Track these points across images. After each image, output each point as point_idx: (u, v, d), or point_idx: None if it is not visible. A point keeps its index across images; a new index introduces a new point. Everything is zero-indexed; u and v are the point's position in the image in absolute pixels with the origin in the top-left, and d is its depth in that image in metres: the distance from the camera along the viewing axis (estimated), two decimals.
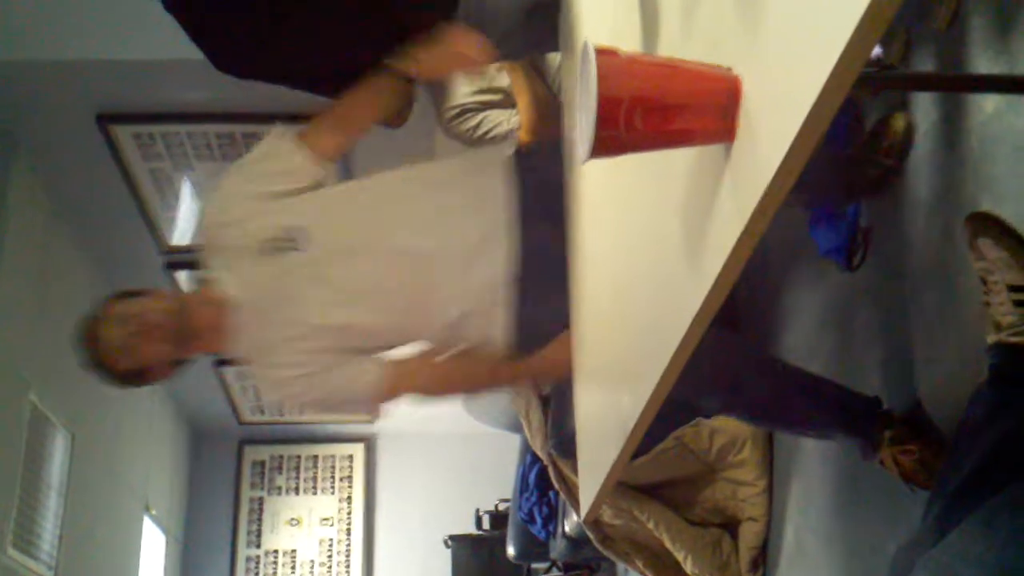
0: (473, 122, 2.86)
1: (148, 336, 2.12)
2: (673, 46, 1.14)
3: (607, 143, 0.90)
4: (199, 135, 3.84)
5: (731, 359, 2.13)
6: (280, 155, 2.25)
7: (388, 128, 3.01)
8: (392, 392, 2.18)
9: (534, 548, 4.85)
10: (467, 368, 2.22)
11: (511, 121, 2.84)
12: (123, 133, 3.80)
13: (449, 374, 2.23)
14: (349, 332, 2.15)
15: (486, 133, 2.86)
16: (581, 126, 0.96)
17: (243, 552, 6.51)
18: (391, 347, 2.21)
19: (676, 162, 1.06)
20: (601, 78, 0.89)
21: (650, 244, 1.25)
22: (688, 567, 2.94)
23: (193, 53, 2.26)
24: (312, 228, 2.14)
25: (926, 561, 1.37)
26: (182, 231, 4.43)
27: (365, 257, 2.15)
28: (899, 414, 2.07)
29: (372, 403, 2.21)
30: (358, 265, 2.14)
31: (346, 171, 4.02)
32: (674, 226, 1.09)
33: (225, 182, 2.28)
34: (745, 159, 0.89)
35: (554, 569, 5.29)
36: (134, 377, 2.19)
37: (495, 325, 2.13)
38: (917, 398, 2.04)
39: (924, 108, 2.04)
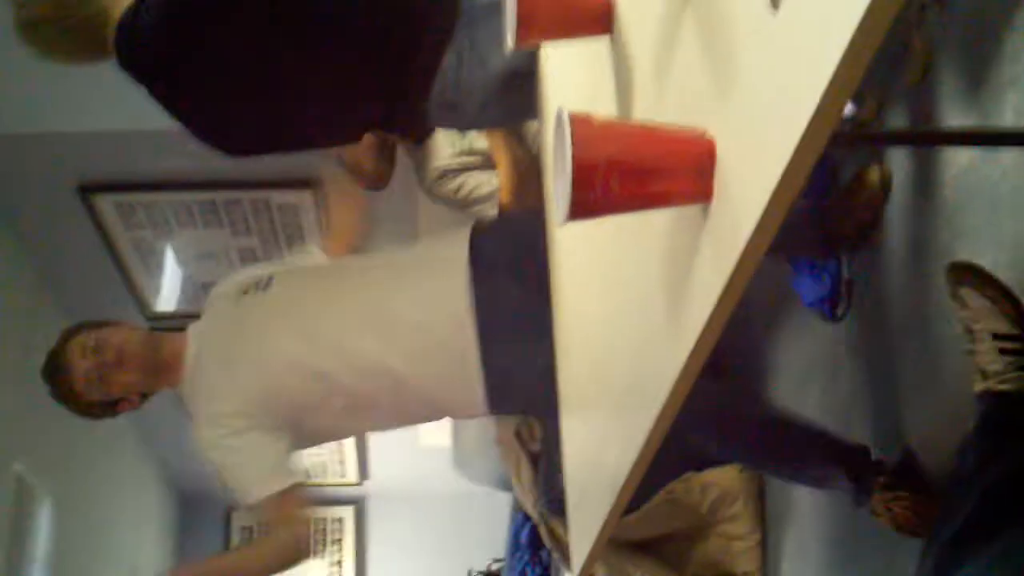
0: (454, 184, 2.88)
1: (122, 366, 2.13)
2: (647, 111, 1.16)
3: (584, 206, 0.91)
4: (180, 203, 3.85)
5: (719, 405, 2.13)
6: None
7: (371, 190, 3.04)
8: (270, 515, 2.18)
9: None
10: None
11: (491, 183, 2.87)
12: (105, 203, 3.80)
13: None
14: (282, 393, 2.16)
15: (468, 194, 2.88)
16: (558, 190, 0.96)
17: None
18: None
19: (654, 223, 1.07)
20: (576, 143, 0.90)
21: (630, 304, 1.25)
22: None
23: (172, 123, 2.28)
24: (277, 277, 2.23)
25: None
26: (166, 298, 4.42)
27: (316, 346, 2.17)
28: (890, 462, 2.06)
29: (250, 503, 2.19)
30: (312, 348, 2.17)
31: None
32: (654, 287, 1.09)
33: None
34: (722, 219, 0.90)
35: None
36: (105, 408, 2.20)
37: (471, 394, 2.14)
38: (908, 447, 2.04)
39: (899, 161, 2.06)
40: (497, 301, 2.15)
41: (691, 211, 0.96)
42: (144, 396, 2.23)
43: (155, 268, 4.21)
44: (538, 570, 4.50)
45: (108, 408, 2.22)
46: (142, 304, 4.42)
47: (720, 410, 2.12)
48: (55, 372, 2.18)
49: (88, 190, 3.74)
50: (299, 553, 2.14)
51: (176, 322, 4.48)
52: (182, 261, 4.19)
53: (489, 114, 2.27)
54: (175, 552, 6.37)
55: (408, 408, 2.21)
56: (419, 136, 2.69)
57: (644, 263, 1.15)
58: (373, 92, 2.10)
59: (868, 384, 2.22)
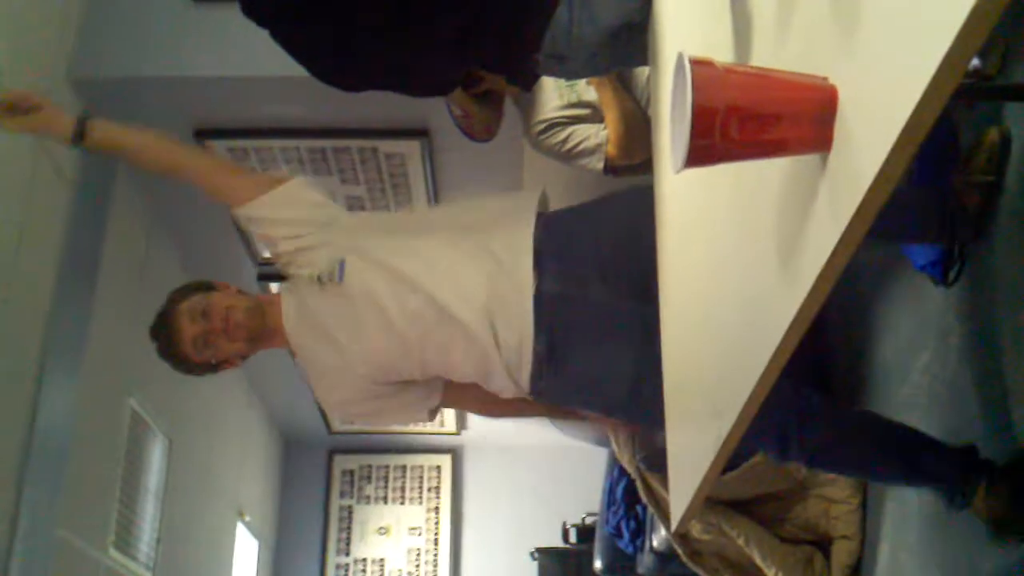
0: (561, 136, 2.88)
1: (228, 333, 2.21)
2: (766, 57, 1.14)
3: (701, 153, 0.91)
4: (291, 150, 3.93)
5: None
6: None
7: (477, 141, 3.06)
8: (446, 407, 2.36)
9: (621, 562, 4.82)
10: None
11: (599, 135, 2.86)
12: (219, 148, 3.90)
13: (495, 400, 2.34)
14: (383, 362, 2.24)
15: (574, 147, 2.87)
16: (675, 136, 0.96)
17: (333, 559, 6.59)
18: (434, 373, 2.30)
19: (770, 172, 1.06)
20: (697, 88, 0.90)
21: (743, 254, 1.24)
22: None
23: (286, 70, 2.33)
24: (349, 263, 2.23)
25: None
26: (274, 244, 4.52)
27: (389, 302, 2.20)
28: (1001, 464, 2.00)
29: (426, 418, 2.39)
30: (383, 308, 2.20)
31: (434, 183, 4.08)
32: (768, 236, 1.09)
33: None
34: (842, 168, 0.89)
35: None
36: (208, 368, 2.29)
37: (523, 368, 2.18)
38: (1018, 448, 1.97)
39: (1020, 119, 2.00)
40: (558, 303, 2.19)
41: (809, 160, 0.95)
42: (246, 357, 2.31)
43: None
44: (633, 525, 4.52)
45: (210, 368, 2.30)
46: (251, 249, 4.53)
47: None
48: (163, 333, 2.26)
49: (203, 135, 3.84)
50: None
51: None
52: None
53: (597, 64, 2.27)
54: (279, 493, 6.58)
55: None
56: (528, 82, 2.69)
57: (757, 213, 1.14)
58: (491, 34, 2.13)
59: (978, 350, 2.17)
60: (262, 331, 2.26)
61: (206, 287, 2.30)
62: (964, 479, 2.01)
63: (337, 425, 6.35)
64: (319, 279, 2.23)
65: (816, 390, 2.24)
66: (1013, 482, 1.96)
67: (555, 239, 2.23)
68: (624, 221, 2.21)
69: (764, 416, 1.92)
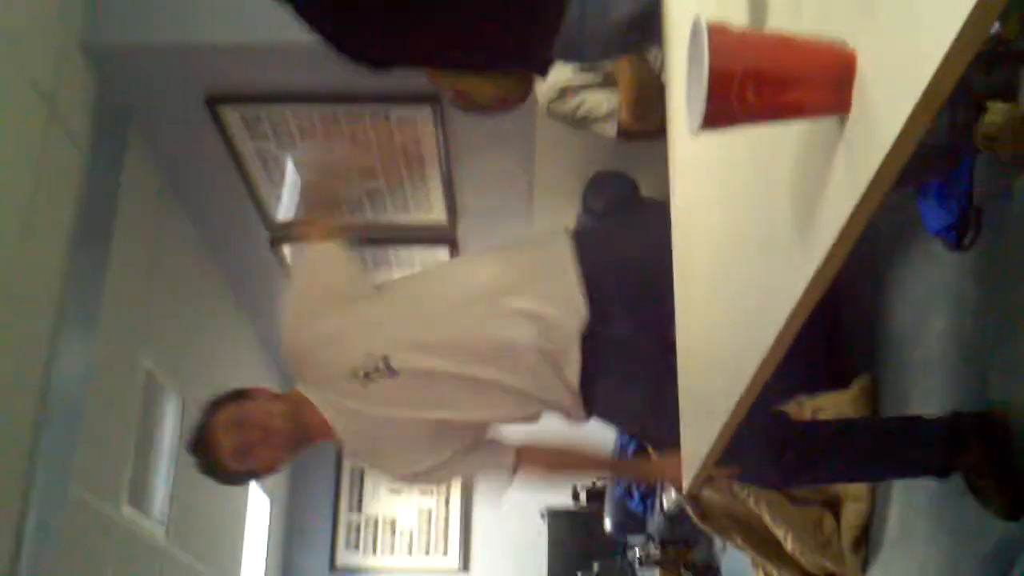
0: (573, 102, 2.86)
1: (267, 441, 2.19)
2: (782, 24, 1.14)
3: (718, 115, 0.91)
4: (304, 116, 3.92)
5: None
6: (305, 256, 2.45)
7: (490, 114, 3.04)
8: (524, 474, 2.36)
9: (631, 523, 4.86)
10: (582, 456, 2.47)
11: (611, 101, 2.84)
12: (231, 114, 3.90)
13: (570, 460, 2.45)
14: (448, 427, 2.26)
15: (587, 113, 2.86)
16: (691, 98, 0.96)
17: (344, 518, 6.66)
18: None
19: (786, 137, 1.06)
20: (713, 51, 0.89)
21: (758, 220, 1.24)
22: (788, 544, 2.92)
23: (299, 36, 2.32)
24: (395, 354, 2.22)
25: None
26: (287, 207, 4.54)
27: (440, 379, 2.23)
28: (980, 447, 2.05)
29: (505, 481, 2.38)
30: (435, 385, 2.23)
31: (446, 150, 4.07)
32: (785, 200, 1.09)
33: (288, 312, 2.42)
34: (859, 132, 0.89)
35: (651, 544, 5.29)
36: (249, 477, 2.30)
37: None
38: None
39: None
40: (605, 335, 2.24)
41: (826, 125, 0.95)
42: (287, 461, 2.31)
43: (278, 178, 4.31)
44: (643, 486, 4.55)
45: (252, 476, 2.31)
46: (264, 214, 4.54)
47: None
48: (202, 448, 2.23)
49: (215, 101, 3.84)
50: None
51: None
52: (304, 173, 4.28)
53: (610, 51, 2.26)
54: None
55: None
56: (544, 70, 2.66)
57: (774, 177, 1.14)
58: (509, 29, 2.12)
59: (993, 315, 2.17)
60: (300, 435, 2.25)
61: (240, 395, 2.26)
62: (949, 456, 2.09)
63: None
64: (364, 376, 2.22)
65: (784, 413, 2.37)
66: (997, 465, 1.98)
67: (590, 280, 2.27)
68: (647, 251, 2.20)
69: (741, 447, 2.01)
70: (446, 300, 2.29)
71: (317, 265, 2.38)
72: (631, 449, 4.46)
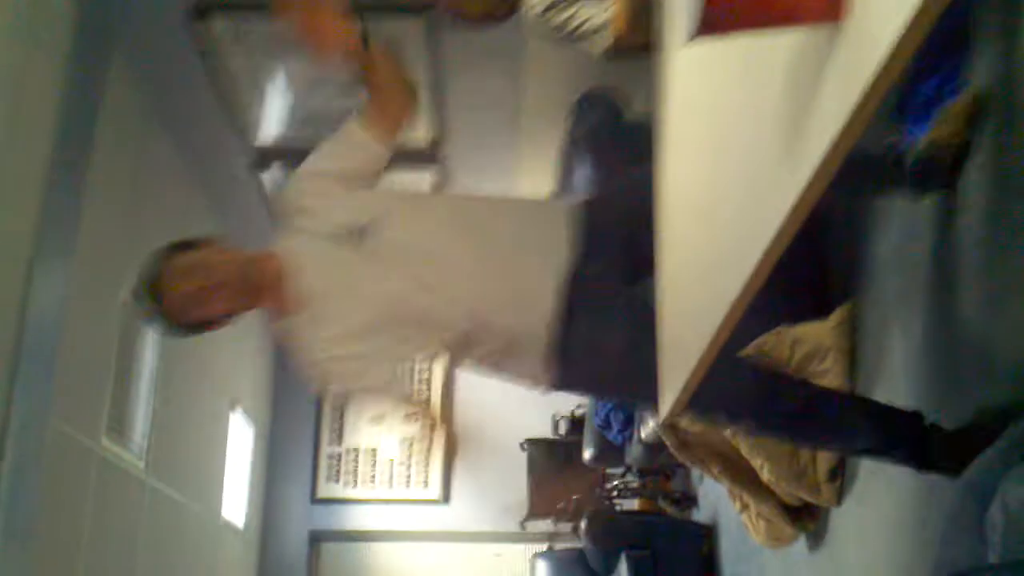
0: (563, 16, 2.78)
1: (216, 291, 2.14)
2: None
3: (712, 22, 0.89)
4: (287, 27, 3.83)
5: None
6: (351, 134, 2.33)
7: (475, 25, 2.98)
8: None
9: (610, 453, 4.91)
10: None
11: (602, 15, 2.77)
12: (215, 26, 3.79)
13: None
14: (397, 311, 2.19)
15: (577, 27, 2.79)
16: (686, 7, 0.94)
17: (325, 449, 6.70)
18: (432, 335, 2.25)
19: (778, 51, 1.04)
20: None
21: (746, 133, 1.22)
22: (764, 475, 2.95)
23: None
24: (384, 225, 2.19)
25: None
26: (271, 127, 4.47)
27: (420, 268, 2.19)
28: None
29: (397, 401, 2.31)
30: (412, 272, 2.19)
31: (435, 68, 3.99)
32: (774, 116, 1.06)
33: (303, 167, 2.36)
34: (854, 40, 0.87)
35: (629, 474, 5.36)
36: (197, 327, 2.22)
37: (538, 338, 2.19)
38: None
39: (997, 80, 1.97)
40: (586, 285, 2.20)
41: (819, 39, 0.93)
42: (237, 315, 2.24)
43: (260, 97, 4.23)
44: (621, 415, 4.58)
45: (200, 327, 2.23)
46: (246, 135, 4.48)
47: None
48: (150, 293, 2.16)
49: (203, 9, 3.73)
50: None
51: (278, 153, 4.56)
52: (286, 90, 4.21)
53: None
54: (272, 383, 6.64)
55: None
56: None
57: (762, 93, 1.12)
58: None
59: (976, 245, 2.16)
60: (252, 288, 2.20)
61: (192, 244, 2.21)
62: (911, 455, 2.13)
63: None
64: (346, 236, 2.20)
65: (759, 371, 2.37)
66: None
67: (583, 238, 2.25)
68: (636, 211, 2.15)
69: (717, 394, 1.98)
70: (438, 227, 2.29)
71: (358, 150, 2.34)
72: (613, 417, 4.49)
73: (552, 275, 2.19)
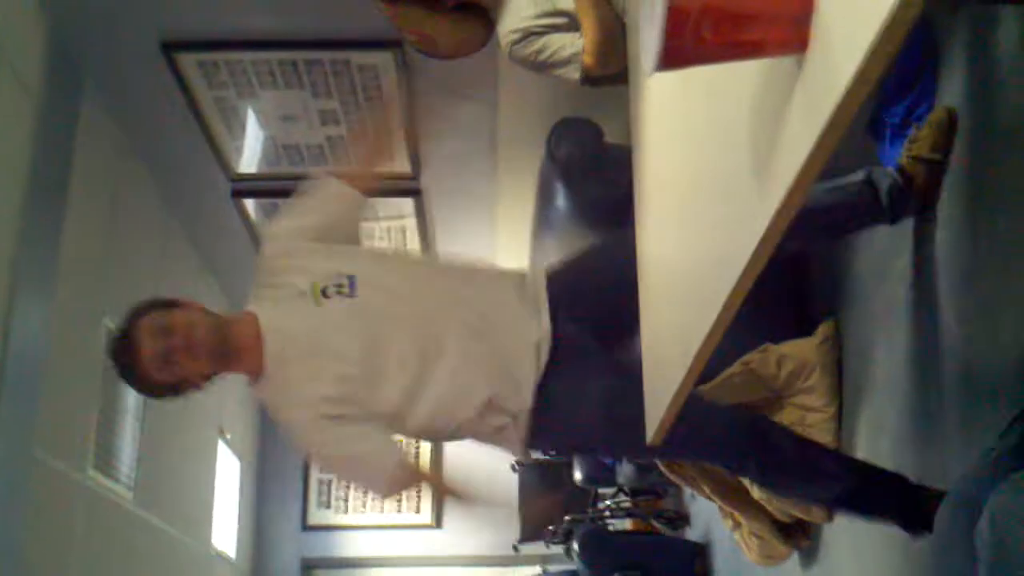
0: (536, 46, 2.81)
1: (190, 351, 2.11)
2: None
3: (674, 55, 0.88)
4: (261, 63, 3.85)
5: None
6: (329, 187, 2.35)
7: (445, 59, 3.00)
8: (407, 478, 2.25)
9: (601, 474, 4.89)
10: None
11: (575, 44, 2.79)
12: (188, 61, 3.81)
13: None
14: (368, 392, 2.15)
15: (549, 56, 2.81)
16: (648, 38, 0.93)
17: (316, 475, 6.66)
18: (403, 420, 2.21)
19: (744, 78, 1.03)
20: None
21: (718, 160, 1.22)
22: (755, 492, 2.94)
23: None
24: (362, 278, 2.18)
25: (1015, 481, 1.33)
26: (248, 160, 4.47)
27: (404, 328, 2.17)
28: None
29: (387, 481, 2.24)
30: (396, 332, 2.16)
31: (409, 96, 4.01)
32: (743, 143, 1.06)
33: (280, 220, 2.36)
34: (817, 70, 0.86)
35: (621, 494, 5.34)
36: (170, 389, 2.19)
37: (522, 404, 2.17)
38: None
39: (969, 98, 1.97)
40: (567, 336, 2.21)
41: (784, 65, 0.92)
42: (208, 378, 2.20)
43: (238, 128, 4.24)
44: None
45: (172, 390, 2.19)
46: (224, 164, 4.47)
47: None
48: (122, 351, 2.14)
49: (171, 47, 3.74)
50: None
51: (258, 184, 4.57)
52: (264, 122, 4.21)
53: None
54: (257, 416, 6.59)
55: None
56: None
57: (733, 120, 1.11)
58: None
59: (956, 258, 2.17)
60: (226, 349, 2.16)
61: (167, 304, 2.18)
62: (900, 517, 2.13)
63: None
64: (322, 291, 2.17)
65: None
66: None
67: (561, 302, 2.25)
68: (613, 274, 2.17)
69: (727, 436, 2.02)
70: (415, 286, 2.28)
71: (333, 201, 2.35)
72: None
73: (528, 340, 2.19)
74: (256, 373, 2.21)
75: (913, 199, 2.15)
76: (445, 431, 2.23)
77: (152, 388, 2.19)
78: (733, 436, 2.18)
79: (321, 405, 2.13)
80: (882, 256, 2.50)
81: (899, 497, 2.15)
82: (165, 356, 2.09)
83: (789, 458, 2.21)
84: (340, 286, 2.17)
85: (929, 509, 2.03)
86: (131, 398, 4.42)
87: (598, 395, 2.15)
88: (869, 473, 2.24)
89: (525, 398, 2.16)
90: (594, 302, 2.24)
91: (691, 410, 1.70)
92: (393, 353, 2.15)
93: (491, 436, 2.23)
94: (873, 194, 2.14)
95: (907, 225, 2.33)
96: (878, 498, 2.17)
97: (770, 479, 2.35)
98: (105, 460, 4.15)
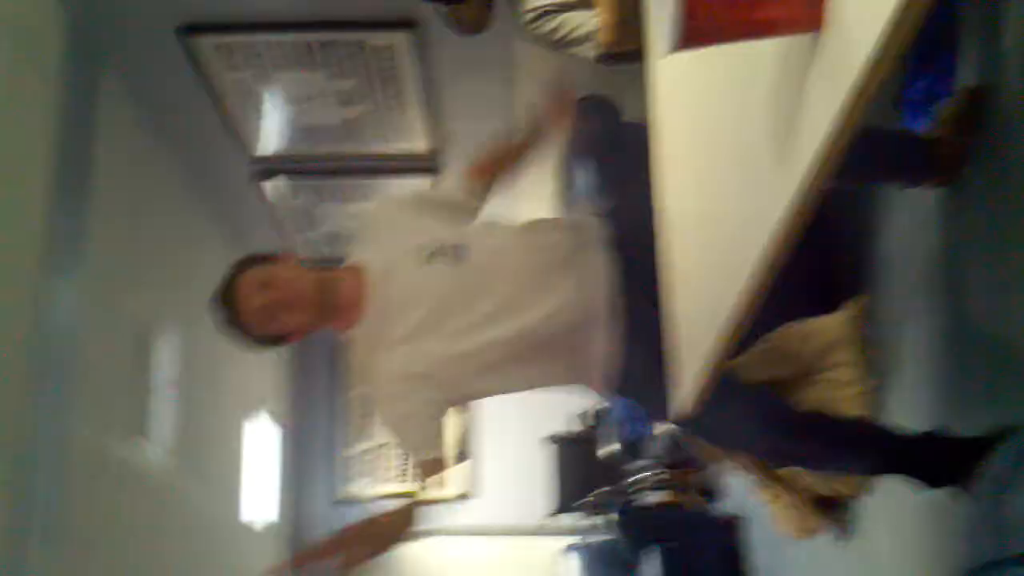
0: (552, 24, 2.78)
1: (293, 305, 2.14)
2: None
3: (692, 35, 0.87)
4: (276, 45, 3.82)
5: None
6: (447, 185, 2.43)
7: (464, 35, 2.97)
8: (435, 468, 2.24)
9: (636, 446, 4.88)
10: None
11: (591, 23, 2.75)
12: (205, 44, 3.79)
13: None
14: (462, 360, 2.16)
15: (566, 35, 2.78)
16: (666, 19, 0.91)
17: (348, 446, 6.68)
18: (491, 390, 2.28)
19: (761, 60, 1.00)
20: None
21: (737, 148, 1.19)
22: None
23: None
24: (472, 249, 2.19)
25: None
26: (267, 141, 4.46)
27: (505, 300, 2.16)
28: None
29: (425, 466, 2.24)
30: (495, 300, 2.16)
31: (425, 78, 3.98)
32: (761, 127, 1.03)
33: (400, 193, 2.47)
34: (834, 49, 0.83)
35: (656, 466, 5.32)
36: (270, 341, 2.21)
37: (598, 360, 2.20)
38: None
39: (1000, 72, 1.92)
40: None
41: (801, 44, 0.89)
42: (309, 332, 2.21)
43: (255, 111, 4.22)
44: (643, 412, 4.54)
45: (273, 341, 2.22)
46: (244, 147, 4.46)
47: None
48: (227, 303, 2.17)
49: (187, 30, 3.73)
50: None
51: (277, 165, 4.58)
52: (281, 104, 4.19)
53: None
54: (292, 388, 6.62)
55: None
56: None
57: (751, 103, 1.08)
58: None
59: (982, 238, 2.12)
60: (329, 305, 2.18)
61: (267, 258, 2.21)
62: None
63: None
64: (428, 254, 2.18)
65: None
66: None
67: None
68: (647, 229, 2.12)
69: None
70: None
71: (449, 189, 2.42)
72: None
73: (602, 285, 2.19)
74: (352, 325, 2.22)
75: (936, 169, 2.11)
76: (526, 374, 2.28)
77: (255, 340, 2.21)
78: (767, 438, 2.17)
79: (408, 364, 2.14)
80: (909, 233, 2.47)
81: (938, 453, 2.10)
82: (268, 310, 2.13)
83: (823, 444, 2.19)
84: (444, 253, 2.19)
85: (969, 459, 2.01)
86: (165, 374, 4.44)
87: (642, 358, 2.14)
88: (904, 438, 2.19)
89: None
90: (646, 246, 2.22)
91: (723, 406, 1.72)
92: (487, 312, 2.17)
93: (577, 372, 2.27)
94: (902, 143, 2.14)
95: (930, 204, 2.29)
96: (917, 458, 2.13)
97: (806, 464, 2.34)
98: (143, 432, 4.19)
